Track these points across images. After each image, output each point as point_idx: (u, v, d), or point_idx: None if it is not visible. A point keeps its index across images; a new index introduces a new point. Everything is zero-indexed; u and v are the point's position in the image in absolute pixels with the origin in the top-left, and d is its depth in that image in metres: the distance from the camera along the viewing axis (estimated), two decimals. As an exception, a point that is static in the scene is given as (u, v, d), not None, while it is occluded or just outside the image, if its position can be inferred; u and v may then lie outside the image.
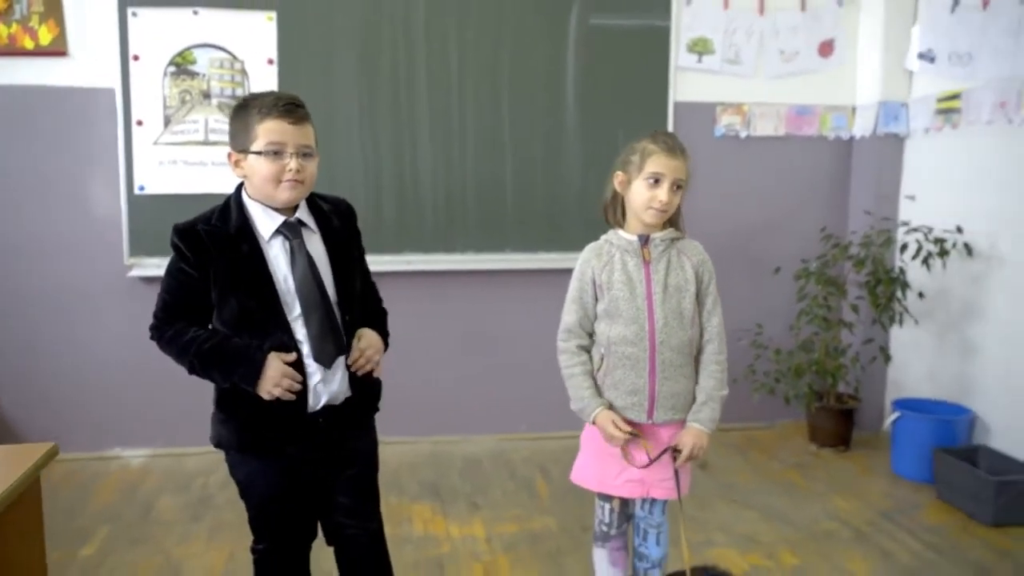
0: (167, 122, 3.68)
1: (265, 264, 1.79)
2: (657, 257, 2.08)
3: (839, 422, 4.01)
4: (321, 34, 3.75)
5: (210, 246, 1.77)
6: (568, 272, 2.18)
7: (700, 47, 4.11)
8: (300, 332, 1.82)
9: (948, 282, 3.81)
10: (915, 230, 3.78)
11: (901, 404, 3.79)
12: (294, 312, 1.81)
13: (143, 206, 3.68)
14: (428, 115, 3.88)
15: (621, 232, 2.12)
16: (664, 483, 2.09)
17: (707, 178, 3.97)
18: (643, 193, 2.03)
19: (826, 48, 4.21)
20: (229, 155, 1.82)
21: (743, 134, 4.20)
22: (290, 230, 1.82)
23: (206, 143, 3.70)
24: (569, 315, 2.14)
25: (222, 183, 3.60)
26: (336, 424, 1.90)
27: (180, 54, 3.66)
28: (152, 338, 1.85)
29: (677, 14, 4.02)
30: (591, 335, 2.14)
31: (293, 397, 1.79)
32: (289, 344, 1.79)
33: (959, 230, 3.66)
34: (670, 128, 4.04)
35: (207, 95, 3.70)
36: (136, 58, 3.63)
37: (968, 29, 3.66)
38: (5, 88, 3.61)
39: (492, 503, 3.37)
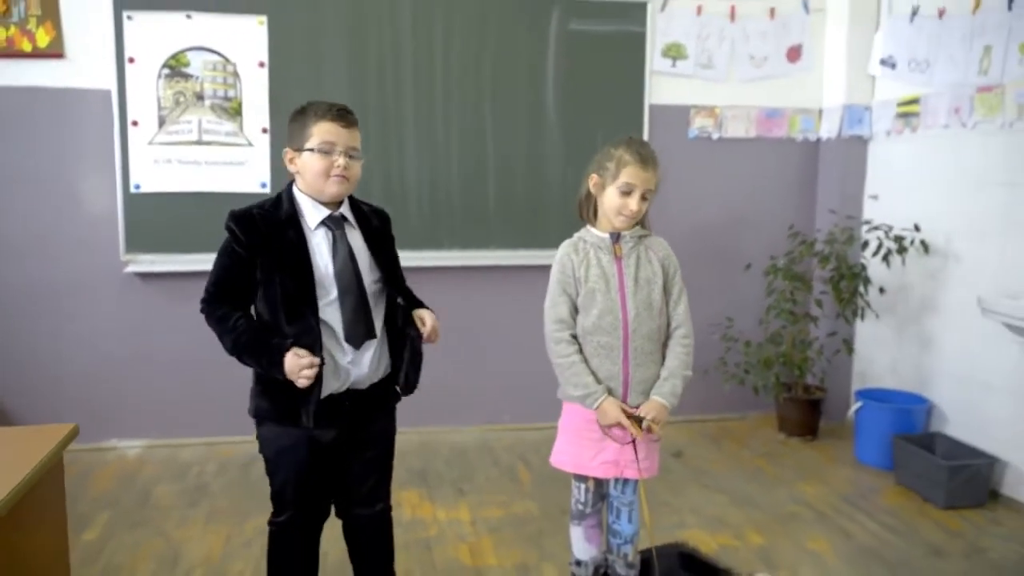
0: (162, 123, 3.76)
1: (307, 251, 1.98)
2: (627, 253, 2.25)
3: (806, 412, 4.15)
4: (310, 37, 3.85)
5: (261, 228, 1.96)
6: (549, 268, 2.31)
7: (674, 52, 4.25)
8: (330, 316, 1.99)
9: (907, 278, 3.96)
10: (876, 228, 3.92)
11: (864, 394, 3.94)
12: (330, 296, 1.99)
13: (138, 204, 3.76)
14: (414, 116, 3.99)
15: (593, 230, 2.29)
16: (635, 464, 2.24)
17: (681, 178, 4.14)
18: (615, 200, 2.19)
19: (794, 54, 4.37)
20: (285, 152, 2.03)
21: (715, 136, 4.35)
22: (334, 223, 2.03)
23: (199, 143, 3.79)
24: (559, 307, 2.26)
25: (215, 182, 3.76)
26: (360, 407, 2.07)
27: (174, 57, 3.75)
28: (202, 311, 2.02)
29: (652, 20, 4.16)
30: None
31: (309, 383, 1.93)
32: (315, 328, 1.95)
33: (917, 228, 3.81)
34: (646, 129, 4.18)
35: (200, 96, 3.79)
36: (131, 60, 3.71)
37: (926, 37, 3.83)
38: (4, 89, 3.68)
39: (477, 489, 3.50)
